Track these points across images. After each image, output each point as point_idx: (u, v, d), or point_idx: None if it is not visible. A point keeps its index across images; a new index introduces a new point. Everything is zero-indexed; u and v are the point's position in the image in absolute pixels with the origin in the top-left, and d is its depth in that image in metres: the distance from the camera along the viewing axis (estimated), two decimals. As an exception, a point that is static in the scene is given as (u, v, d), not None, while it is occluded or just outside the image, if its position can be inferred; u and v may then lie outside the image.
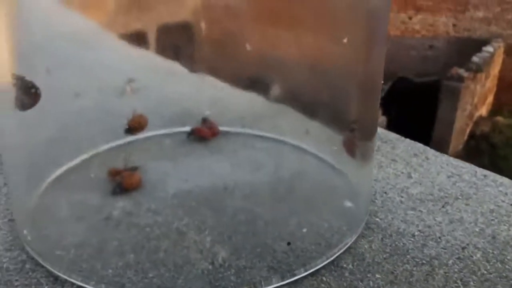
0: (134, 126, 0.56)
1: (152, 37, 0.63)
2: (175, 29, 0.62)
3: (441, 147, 4.86)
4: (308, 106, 0.57)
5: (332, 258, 0.40)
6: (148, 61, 0.63)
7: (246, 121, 0.64)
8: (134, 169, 0.50)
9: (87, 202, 0.47)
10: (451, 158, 0.56)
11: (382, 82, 0.47)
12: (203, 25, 0.59)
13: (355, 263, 0.40)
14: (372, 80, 0.46)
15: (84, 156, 0.54)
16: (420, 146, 0.59)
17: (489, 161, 4.67)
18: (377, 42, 0.46)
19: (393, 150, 0.58)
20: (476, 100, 5.23)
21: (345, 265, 0.39)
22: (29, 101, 0.38)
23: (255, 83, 0.62)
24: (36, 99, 0.39)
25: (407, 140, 0.60)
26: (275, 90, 0.61)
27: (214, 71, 0.64)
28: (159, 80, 0.63)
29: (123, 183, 0.48)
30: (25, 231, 0.41)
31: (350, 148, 0.49)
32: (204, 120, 0.59)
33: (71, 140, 0.54)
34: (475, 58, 5.06)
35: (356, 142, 0.48)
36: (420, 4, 6.05)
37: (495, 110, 5.73)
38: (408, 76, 5.55)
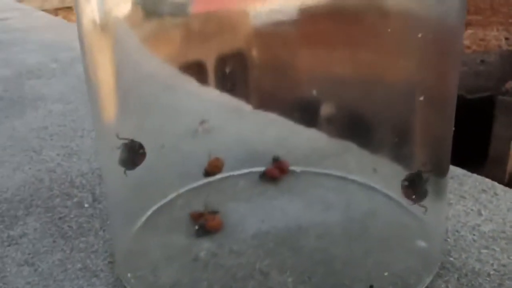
0: (212, 170, 0.61)
1: (210, 67, 0.67)
2: (231, 58, 0.66)
3: (499, 164, 4.69)
4: (373, 141, 0.59)
5: (410, 299, 0.42)
6: (216, 100, 0.68)
7: (311, 159, 0.67)
8: (215, 212, 0.54)
9: (174, 244, 0.51)
10: (521, 194, 0.57)
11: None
12: (255, 52, 0.62)
13: (434, 304, 0.41)
14: (443, 111, 0.47)
15: (167, 199, 0.59)
16: (488, 181, 0.60)
17: (551, 178, 4.46)
18: (450, 65, 0.46)
19: (461, 186, 0.59)
20: (535, 114, 5.03)
21: (424, 307, 0.41)
22: (138, 161, 0.43)
23: (309, 105, 0.64)
24: (143, 159, 0.44)
25: (474, 175, 0.62)
26: (328, 109, 0.63)
27: (271, 98, 0.67)
28: (227, 119, 0.67)
29: (206, 225, 0.52)
30: (128, 275, 0.45)
31: (409, 194, 0.48)
32: (275, 160, 0.63)
33: (154, 183, 0.59)
34: (531, 72, 4.88)
35: (420, 188, 0.48)
36: (469, 19, 5.92)
37: (556, 124, 5.47)
38: (460, 93, 5.42)
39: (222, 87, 0.65)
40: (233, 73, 0.67)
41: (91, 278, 0.47)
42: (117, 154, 0.45)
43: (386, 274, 0.44)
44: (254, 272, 0.46)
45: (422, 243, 0.50)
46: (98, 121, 0.48)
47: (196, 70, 0.63)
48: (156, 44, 0.59)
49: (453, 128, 0.49)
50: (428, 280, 0.44)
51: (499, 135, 4.80)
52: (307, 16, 0.55)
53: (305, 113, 0.64)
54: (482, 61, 6.20)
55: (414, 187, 0.47)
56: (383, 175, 0.59)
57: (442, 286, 0.43)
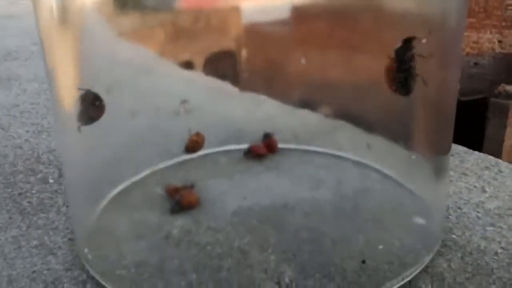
0: (192, 146, 0.55)
1: (198, 66, 0.63)
2: (221, 58, 0.62)
3: (492, 167, 4.67)
4: (372, 124, 0.55)
5: (409, 279, 0.36)
6: (199, 83, 0.63)
7: (301, 138, 0.62)
8: (191, 186, 0.49)
9: (146, 221, 0.46)
10: (528, 171, 0.52)
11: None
12: (245, 52, 0.58)
13: (435, 284, 0.36)
14: (447, 94, 0.43)
15: (142, 175, 0.54)
16: (491, 158, 0.55)
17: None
18: (449, 57, 0.43)
19: (463, 163, 0.54)
20: (527, 117, 5.02)
21: (423, 286, 0.36)
22: (95, 113, 0.38)
23: (305, 106, 0.60)
24: (101, 112, 0.38)
25: (476, 152, 0.57)
26: (328, 111, 0.59)
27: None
28: (211, 100, 0.62)
29: (181, 201, 0.47)
30: (85, 250, 0.40)
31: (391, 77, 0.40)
32: (266, 136, 0.58)
33: (128, 160, 0.54)
34: (524, 74, 4.87)
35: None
36: (463, 22, 5.92)
37: (549, 127, 5.47)
38: (453, 95, 5.41)
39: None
40: (222, 73, 0.63)
41: (46, 256, 0.41)
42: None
43: (380, 247, 0.38)
44: (232, 250, 0.41)
45: (420, 220, 0.45)
46: (56, 95, 0.43)
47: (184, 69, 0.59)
48: (139, 42, 0.54)
49: (455, 110, 0.45)
50: (427, 259, 0.38)
51: (491, 137, 4.80)
52: (299, 16, 0.52)
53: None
54: (476, 64, 6.22)
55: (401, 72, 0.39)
56: (377, 152, 0.54)
57: (444, 265, 0.38)
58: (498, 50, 5.90)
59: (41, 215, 0.48)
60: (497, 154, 4.62)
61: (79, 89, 0.37)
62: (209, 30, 0.55)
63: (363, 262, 0.37)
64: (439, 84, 0.44)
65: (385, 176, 0.52)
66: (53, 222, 0.46)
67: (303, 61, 0.59)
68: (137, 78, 0.54)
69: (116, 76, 0.50)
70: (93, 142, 0.46)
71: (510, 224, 0.43)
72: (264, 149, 0.58)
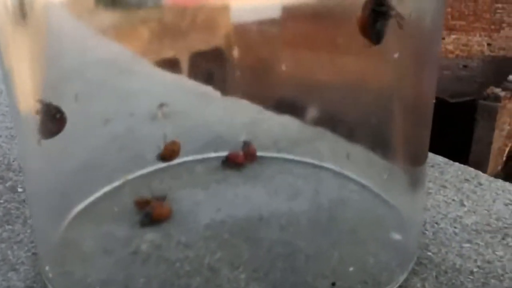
0: (168, 154, 0.54)
1: (184, 64, 0.62)
2: (208, 56, 0.60)
3: (479, 168, 4.70)
4: (349, 130, 0.54)
5: (382, 299, 0.35)
6: (180, 86, 0.62)
7: (282, 145, 0.61)
8: (163, 198, 0.47)
9: (114, 235, 0.44)
10: (507, 184, 0.51)
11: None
12: (235, 51, 0.57)
13: (409, 305, 0.35)
14: (421, 102, 0.42)
15: (113, 185, 0.52)
16: (471, 170, 0.54)
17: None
18: (426, 62, 0.42)
19: (442, 175, 0.53)
20: (515, 119, 5.06)
21: (397, 308, 0.35)
22: (54, 127, 0.36)
23: (289, 107, 0.59)
24: (62, 125, 0.37)
25: (456, 164, 0.56)
26: (311, 113, 0.58)
27: (248, 96, 0.62)
28: (191, 104, 0.61)
29: (152, 213, 0.45)
30: (47, 267, 0.38)
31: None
32: (245, 144, 0.56)
33: (99, 168, 0.52)
34: (511, 77, 4.92)
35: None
36: (453, 24, 5.96)
37: (535, 129, 5.52)
38: (443, 97, 5.43)
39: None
40: (209, 71, 0.62)
41: (7, 272, 0.39)
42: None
43: (351, 269, 0.37)
44: (202, 267, 0.39)
45: (396, 236, 0.44)
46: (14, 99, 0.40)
47: (169, 67, 0.57)
48: (123, 39, 0.52)
49: (431, 118, 0.44)
50: (402, 278, 0.37)
51: (480, 139, 4.84)
52: (289, 16, 0.51)
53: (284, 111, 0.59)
54: (465, 66, 6.25)
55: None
56: (356, 162, 0.53)
57: (418, 284, 0.37)
58: (487, 52, 5.95)
59: (7, 226, 0.46)
60: (485, 156, 4.65)
61: (39, 101, 0.35)
62: (195, 28, 0.53)
63: (333, 284, 0.36)
64: (415, 92, 0.43)
65: (364, 187, 0.51)
66: (18, 234, 0.45)
67: (283, 67, 0.58)
68: (112, 79, 0.53)
69: (88, 78, 0.49)
70: (58, 150, 0.44)
71: (487, 241, 0.42)
72: (242, 158, 0.57)
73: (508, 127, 4.93)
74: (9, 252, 0.42)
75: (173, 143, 0.56)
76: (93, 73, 0.50)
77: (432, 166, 0.55)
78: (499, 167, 4.85)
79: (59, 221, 0.45)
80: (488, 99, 4.66)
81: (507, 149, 5.01)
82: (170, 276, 0.38)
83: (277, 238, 0.43)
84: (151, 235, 0.44)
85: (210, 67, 0.63)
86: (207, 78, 0.63)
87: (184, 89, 0.62)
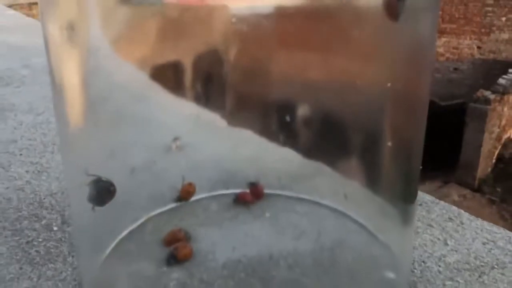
0: (184, 196, 0.61)
1: (186, 67, 0.65)
2: (207, 58, 0.62)
3: (469, 170, 4.80)
4: (342, 161, 0.60)
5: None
6: (190, 114, 0.66)
7: (284, 181, 0.68)
8: (189, 237, 0.54)
9: (143, 273, 0.51)
10: (485, 223, 0.58)
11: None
12: (232, 52, 0.59)
13: None
14: (413, 131, 0.47)
15: (137, 223, 0.59)
16: (454, 209, 0.61)
17: (518, 185, 4.59)
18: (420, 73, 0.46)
19: (429, 214, 0.60)
20: (504, 122, 5.17)
21: None
22: (108, 198, 0.43)
23: (283, 108, 0.63)
24: (112, 196, 0.43)
25: (441, 202, 0.63)
26: (304, 111, 0.63)
27: (245, 99, 0.65)
28: (201, 136, 0.67)
29: (177, 255, 0.52)
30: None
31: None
32: (252, 184, 0.63)
33: (124, 207, 0.58)
34: (501, 80, 5.01)
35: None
36: (443, 27, 6.05)
37: (524, 132, 5.63)
38: (433, 100, 5.53)
39: (197, 89, 0.64)
40: (208, 73, 0.65)
41: (57, 310, 0.46)
42: (83, 179, 0.44)
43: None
44: (224, 304, 0.46)
45: (390, 274, 0.51)
46: (64, 139, 0.47)
47: (171, 70, 0.61)
48: (127, 43, 0.56)
49: (421, 160, 0.50)
50: (394, 315, 0.44)
51: (469, 142, 4.93)
52: (282, 16, 0.53)
53: (280, 115, 0.62)
54: (455, 69, 6.34)
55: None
56: (354, 200, 0.60)
57: (407, 321, 0.44)
58: (477, 56, 6.05)
59: (50, 265, 0.52)
60: (475, 159, 4.75)
61: (90, 174, 0.42)
62: (196, 29, 0.56)
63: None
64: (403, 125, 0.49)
65: (360, 226, 0.58)
66: (61, 272, 0.51)
67: (281, 68, 0.61)
68: (133, 105, 0.57)
69: (115, 101, 0.53)
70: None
71: (466, 278, 0.49)
72: (250, 197, 0.64)
73: (498, 130, 5.03)
74: (55, 290, 0.49)
75: (189, 185, 0.63)
76: (114, 99, 0.55)
77: (420, 205, 0.62)
78: (489, 169, 4.95)
79: (97, 259, 0.51)
80: (478, 101, 4.75)
81: (496, 152, 5.11)
82: (196, 313, 0.45)
83: (286, 277, 0.50)
84: (176, 273, 0.50)
85: (209, 69, 0.64)
86: (206, 79, 0.65)
87: (193, 118, 0.68)
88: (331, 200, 0.62)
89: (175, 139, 0.64)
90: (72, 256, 0.54)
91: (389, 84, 0.44)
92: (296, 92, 0.59)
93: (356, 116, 0.55)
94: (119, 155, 0.56)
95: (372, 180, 0.57)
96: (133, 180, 0.59)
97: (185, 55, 0.62)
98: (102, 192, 0.42)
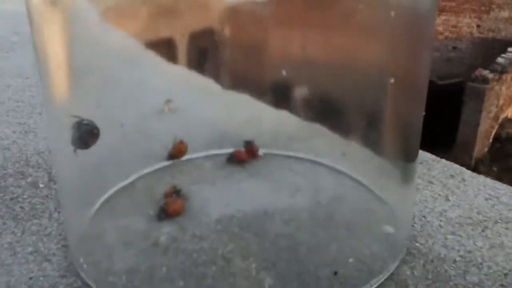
0: (176, 154, 0.58)
1: (180, 44, 0.63)
2: (203, 35, 0.62)
3: (466, 149, 4.80)
4: (343, 124, 0.58)
5: (375, 286, 0.41)
6: (183, 79, 0.65)
7: (281, 142, 0.66)
8: (179, 194, 0.52)
9: (135, 227, 0.49)
10: (488, 180, 0.57)
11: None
12: (228, 30, 0.58)
13: (399, 291, 0.40)
14: (414, 96, 0.46)
15: (129, 180, 0.56)
16: (456, 167, 0.59)
17: (515, 164, 4.59)
18: (420, 48, 0.45)
19: (429, 171, 0.58)
20: (502, 101, 5.15)
21: (388, 293, 0.40)
22: (92, 141, 0.40)
23: (280, 87, 0.62)
24: (97, 138, 0.41)
25: (443, 160, 0.61)
26: (301, 91, 0.61)
27: (242, 77, 0.64)
28: (195, 99, 0.65)
29: (167, 209, 0.50)
30: (81, 260, 0.43)
31: None
32: (247, 143, 0.61)
33: (115, 165, 0.56)
34: (500, 59, 4.97)
35: None
36: (442, 5, 5.98)
37: (522, 111, 5.62)
38: (431, 78, 5.49)
39: (191, 66, 0.62)
40: (203, 51, 0.64)
41: (42, 262, 0.44)
42: (69, 132, 0.42)
43: (351, 260, 0.42)
44: (216, 258, 0.44)
45: (389, 229, 0.49)
46: (48, 98, 0.45)
47: (164, 48, 0.60)
48: (120, 19, 0.55)
49: (423, 113, 0.48)
50: (393, 267, 0.43)
51: (467, 121, 4.91)
52: None
53: (277, 95, 0.63)
54: (454, 48, 6.28)
55: None
56: (352, 159, 0.58)
57: (408, 272, 0.42)
58: (476, 34, 5.99)
59: (34, 221, 0.50)
60: (472, 138, 4.74)
61: (74, 116, 0.39)
62: (191, 8, 0.55)
63: (335, 273, 0.41)
64: (410, 81, 0.47)
65: (359, 183, 0.56)
66: (46, 228, 0.49)
67: (284, 72, 0.61)
68: (123, 72, 0.55)
69: (98, 70, 0.52)
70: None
71: (469, 233, 0.48)
72: (245, 155, 0.61)
73: (496, 109, 5.02)
74: (40, 244, 0.47)
75: (181, 143, 0.61)
76: (102, 64, 0.53)
77: (421, 163, 0.60)
78: (486, 149, 4.95)
79: (85, 214, 0.49)
80: (476, 81, 4.72)
81: (493, 131, 5.10)
82: (189, 265, 0.43)
83: (281, 232, 0.48)
84: (168, 228, 0.48)
85: (204, 46, 0.65)
86: (201, 57, 0.64)
87: (186, 82, 0.66)
88: (328, 159, 0.60)
89: (168, 101, 0.61)
90: (59, 212, 0.52)
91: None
92: (296, 68, 0.58)
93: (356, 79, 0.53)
94: (109, 116, 0.54)
95: (372, 139, 0.55)
96: (124, 138, 0.57)
97: (179, 32, 0.60)
98: (85, 134, 0.40)
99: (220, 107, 0.65)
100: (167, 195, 0.51)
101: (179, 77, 0.64)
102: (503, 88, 5.02)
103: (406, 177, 0.49)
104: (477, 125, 4.74)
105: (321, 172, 0.59)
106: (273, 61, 0.61)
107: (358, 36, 0.50)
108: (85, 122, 0.40)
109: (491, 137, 5.10)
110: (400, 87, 0.47)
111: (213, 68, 0.64)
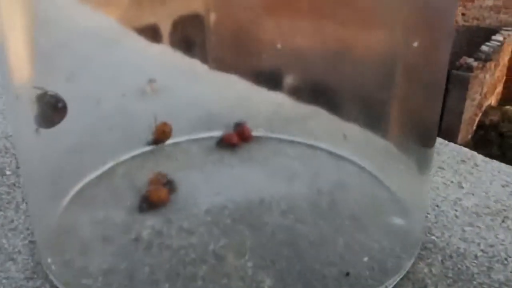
0: (159, 137, 0.52)
1: (164, 31, 0.59)
2: (188, 22, 0.58)
3: (450, 137, 4.81)
4: (343, 107, 0.53)
5: (391, 286, 0.35)
6: (167, 59, 0.59)
7: (274, 124, 0.60)
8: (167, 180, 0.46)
9: (113, 220, 0.43)
10: (503, 165, 0.52)
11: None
12: (214, 16, 0.55)
13: (418, 292, 0.35)
14: (433, 76, 0.41)
15: (106, 167, 0.50)
16: (466, 151, 0.54)
17: (498, 151, 4.62)
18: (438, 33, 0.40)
19: (439, 156, 0.53)
20: (485, 89, 5.17)
21: (406, 295, 0.35)
22: (57, 117, 0.34)
23: (269, 77, 0.57)
24: (64, 114, 0.34)
25: (451, 144, 0.56)
26: (290, 81, 0.57)
27: (228, 65, 0.60)
28: (180, 79, 0.59)
29: (149, 198, 0.44)
30: (47, 256, 0.37)
31: None
32: (238, 125, 0.55)
33: (91, 150, 0.50)
34: (484, 47, 4.98)
35: None
36: (428, -7, 5.95)
37: (505, 99, 5.66)
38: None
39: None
40: (189, 38, 0.58)
41: (5, 262, 0.38)
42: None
43: (365, 259, 0.37)
44: (207, 255, 0.39)
45: (399, 220, 0.44)
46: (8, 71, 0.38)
47: (149, 34, 0.55)
48: (103, 5, 0.49)
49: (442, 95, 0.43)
50: (409, 264, 0.38)
51: (451, 109, 4.92)
52: None
53: (266, 83, 0.57)
54: (438, 35, 6.26)
55: None
56: (354, 142, 0.53)
57: (425, 270, 0.37)
58: (461, 23, 5.99)
59: (-2, 213, 0.44)
60: (456, 125, 4.75)
61: (35, 87, 0.33)
62: None
63: (347, 274, 0.36)
64: (427, 59, 0.42)
65: (362, 169, 0.51)
66: (12, 221, 0.43)
67: (279, 46, 0.56)
68: (99, 52, 0.50)
69: (74, 51, 0.46)
70: (52, 132, 0.42)
71: (488, 224, 0.43)
72: (236, 138, 0.56)
73: (479, 97, 5.03)
74: (4, 240, 0.40)
75: (164, 124, 0.54)
76: (79, 45, 0.47)
77: (429, 147, 0.55)
78: (469, 136, 4.97)
79: (55, 207, 0.43)
80: (461, 69, 4.72)
81: (477, 119, 5.12)
82: (175, 264, 0.38)
83: (279, 224, 0.43)
84: (151, 220, 0.43)
85: (189, 33, 0.60)
86: (187, 45, 0.60)
87: (170, 62, 0.60)
88: (327, 143, 0.55)
89: (151, 80, 0.55)
90: (27, 203, 0.45)
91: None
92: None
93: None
94: (82, 95, 0.48)
95: (381, 121, 0.50)
96: (100, 120, 0.51)
97: (164, 18, 0.55)
98: (48, 109, 0.34)
99: (207, 88, 0.59)
100: (152, 183, 0.45)
101: (163, 57, 0.58)
102: (487, 76, 5.03)
103: (421, 164, 0.44)
104: (461, 112, 4.75)
105: (320, 156, 0.54)
106: (263, 48, 0.55)
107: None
108: (49, 94, 0.34)
109: (475, 124, 5.12)
110: (415, 69, 0.42)
111: (199, 53, 0.59)
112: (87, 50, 0.48)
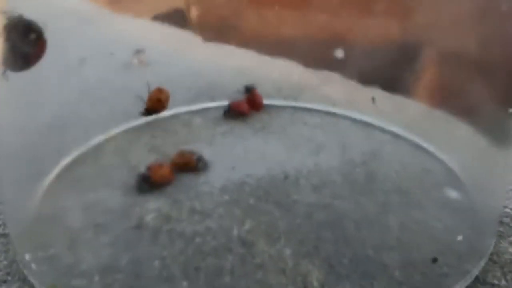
0: (153, 106, 0.43)
1: None
2: (169, 18, 0.50)
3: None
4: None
5: (476, 273, 0.28)
6: (156, 30, 0.51)
7: (286, 92, 0.52)
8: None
9: (107, 204, 0.34)
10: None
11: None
12: (195, 11, 0.50)
13: (509, 277, 0.28)
14: None
15: (94, 142, 0.42)
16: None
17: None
18: None
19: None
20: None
21: (496, 282, 0.28)
22: (30, 52, 0.24)
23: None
24: (40, 50, 0.25)
25: None
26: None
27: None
28: (172, 50, 0.50)
29: (150, 176, 0.36)
30: (27, 256, 0.28)
31: None
32: (248, 90, 0.47)
33: (75, 125, 0.41)
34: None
35: None
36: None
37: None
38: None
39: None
40: None
41: (-30, 262, 0.29)
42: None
43: (460, 238, 0.30)
44: (232, 242, 0.30)
45: (452, 193, 0.37)
46: None
47: None
48: None
49: None
50: (491, 243, 0.30)
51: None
52: None
53: None
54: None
55: None
56: (382, 107, 0.45)
57: (510, 249, 0.30)
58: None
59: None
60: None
61: (3, 12, 0.23)
62: None
63: (435, 260, 0.28)
64: None
65: (396, 137, 0.44)
66: (-23, 210, 0.34)
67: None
68: (83, 29, 0.42)
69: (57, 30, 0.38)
70: (27, 99, 0.34)
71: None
72: (247, 106, 0.48)
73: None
74: (-33, 234, 0.32)
75: (159, 91, 0.45)
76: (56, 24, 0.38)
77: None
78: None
79: (34, 191, 0.34)
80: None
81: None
82: (192, 255, 0.29)
83: (313, 202, 0.35)
84: (154, 203, 0.34)
85: None
86: None
87: (161, 35, 0.52)
88: (349, 109, 0.47)
89: (138, 51, 0.47)
90: (-3, 188, 0.36)
91: None
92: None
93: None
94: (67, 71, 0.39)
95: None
96: (87, 97, 0.42)
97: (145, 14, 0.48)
98: (18, 39, 0.24)
99: (204, 57, 0.51)
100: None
101: (151, 30, 0.50)
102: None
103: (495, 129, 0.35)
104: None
105: (343, 124, 0.47)
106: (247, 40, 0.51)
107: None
108: (20, 20, 0.24)
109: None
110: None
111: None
112: (64, 28, 0.39)
